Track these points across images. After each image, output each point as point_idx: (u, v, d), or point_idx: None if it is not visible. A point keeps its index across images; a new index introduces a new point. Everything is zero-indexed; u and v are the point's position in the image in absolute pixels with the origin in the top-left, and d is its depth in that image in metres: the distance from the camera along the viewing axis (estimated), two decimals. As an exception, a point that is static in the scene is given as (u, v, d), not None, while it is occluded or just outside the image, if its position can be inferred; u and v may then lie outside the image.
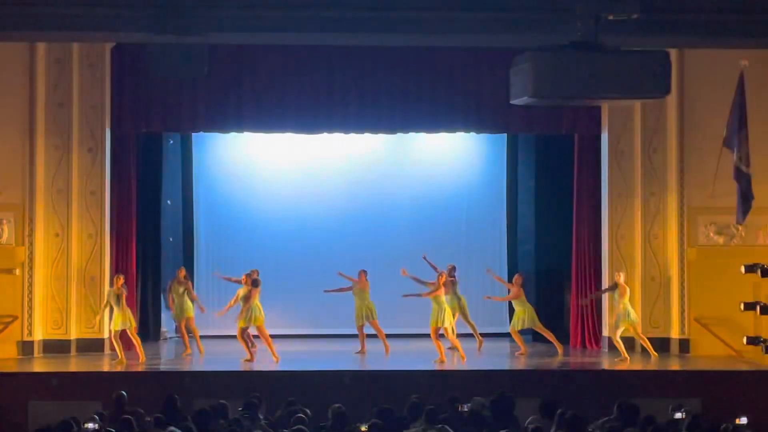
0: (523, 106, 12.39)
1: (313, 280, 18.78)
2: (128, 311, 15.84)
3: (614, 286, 16.42)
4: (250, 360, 15.91)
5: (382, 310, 17.34)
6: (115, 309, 15.69)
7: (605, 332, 17.50)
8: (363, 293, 17.03)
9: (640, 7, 9.57)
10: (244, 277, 16.32)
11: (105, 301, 16.05)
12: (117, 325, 15.68)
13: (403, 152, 19.59)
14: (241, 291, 16.24)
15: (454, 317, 16.55)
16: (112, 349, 16.18)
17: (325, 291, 17.30)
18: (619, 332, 16.22)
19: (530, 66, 8.98)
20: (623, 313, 16.15)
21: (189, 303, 16.87)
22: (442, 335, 16.03)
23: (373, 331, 17.12)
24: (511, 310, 17.68)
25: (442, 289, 16.08)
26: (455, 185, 19.62)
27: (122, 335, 15.87)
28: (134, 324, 16.06)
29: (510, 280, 17.75)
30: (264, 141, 19.29)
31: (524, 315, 16.78)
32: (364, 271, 17.19)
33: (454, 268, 17.31)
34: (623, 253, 17.35)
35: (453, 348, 16.32)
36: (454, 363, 16.00)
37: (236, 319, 16.12)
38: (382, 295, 17.56)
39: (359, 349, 16.97)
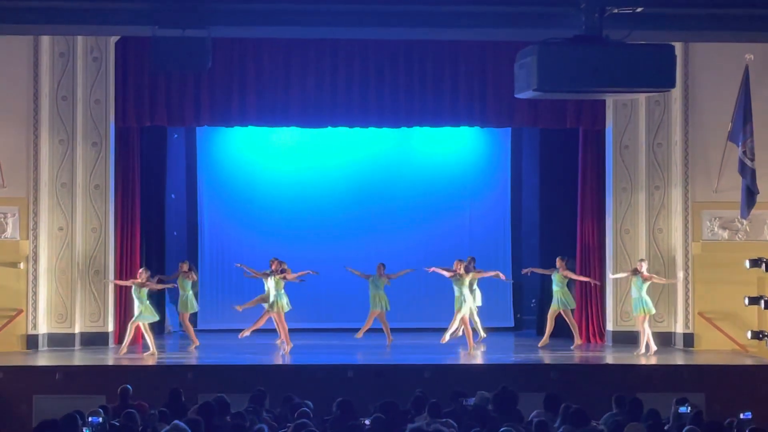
0: (528, 100, 12.44)
1: (317, 274, 18.79)
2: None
3: (634, 272, 16.27)
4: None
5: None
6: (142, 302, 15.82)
7: (609, 326, 17.50)
8: (379, 284, 16.95)
9: (644, 1, 9.55)
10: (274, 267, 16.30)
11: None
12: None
13: (408, 146, 19.58)
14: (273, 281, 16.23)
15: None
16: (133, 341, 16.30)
17: (347, 268, 17.23)
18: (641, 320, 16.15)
19: (535, 60, 8.96)
20: (640, 300, 16.07)
21: (194, 299, 16.84)
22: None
23: (378, 325, 17.12)
24: (516, 304, 17.72)
25: (464, 275, 16.12)
26: (459, 179, 19.61)
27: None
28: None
29: (513, 275, 17.79)
30: (268, 135, 19.29)
31: (561, 296, 16.79)
32: (382, 265, 17.08)
33: (473, 260, 17.28)
34: (627, 247, 17.35)
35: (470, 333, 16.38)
36: (454, 355, 16.02)
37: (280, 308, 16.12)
38: (385, 289, 17.54)
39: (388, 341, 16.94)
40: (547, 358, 16.07)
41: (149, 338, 15.93)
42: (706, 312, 16.92)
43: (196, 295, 17.24)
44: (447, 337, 16.29)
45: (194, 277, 16.92)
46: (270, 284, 16.25)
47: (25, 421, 13.80)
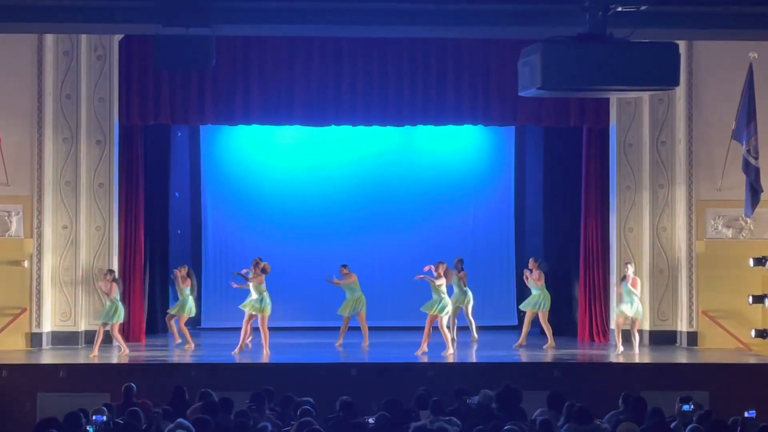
0: (532, 98, 12.44)
1: (321, 272, 18.77)
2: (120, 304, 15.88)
3: (623, 278, 16.37)
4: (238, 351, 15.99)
5: (388, 302, 17.33)
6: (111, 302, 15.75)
7: (612, 325, 17.49)
8: (353, 286, 16.93)
9: (648, -1, 9.56)
10: (252, 267, 16.27)
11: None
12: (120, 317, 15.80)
13: (411, 145, 19.58)
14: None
15: (456, 311, 16.59)
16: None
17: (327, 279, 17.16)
18: (620, 320, 16.19)
19: (539, 58, 8.96)
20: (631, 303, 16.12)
21: (192, 302, 16.84)
22: (435, 327, 15.97)
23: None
24: (519, 302, 17.69)
25: (443, 279, 16.00)
26: (463, 178, 19.61)
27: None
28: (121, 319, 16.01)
29: (517, 273, 17.82)
30: (272, 133, 19.30)
31: (539, 299, 16.73)
32: (345, 266, 17.03)
33: (461, 261, 17.23)
34: (631, 245, 17.34)
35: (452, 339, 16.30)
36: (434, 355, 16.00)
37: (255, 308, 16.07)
38: (388, 287, 17.57)
39: (339, 341, 16.89)
40: (550, 356, 16.06)
41: (120, 339, 15.84)
42: (709, 310, 16.91)
43: (196, 298, 17.18)
44: (451, 348, 16.08)
45: (189, 283, 16.79)
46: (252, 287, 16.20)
47: (29, 418, 13.80)
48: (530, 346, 16.89)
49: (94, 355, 15.53)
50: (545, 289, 16.78)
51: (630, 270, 16.33)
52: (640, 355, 16.02)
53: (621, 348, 16.07)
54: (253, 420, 9.96)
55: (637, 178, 17.41)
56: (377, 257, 17.64)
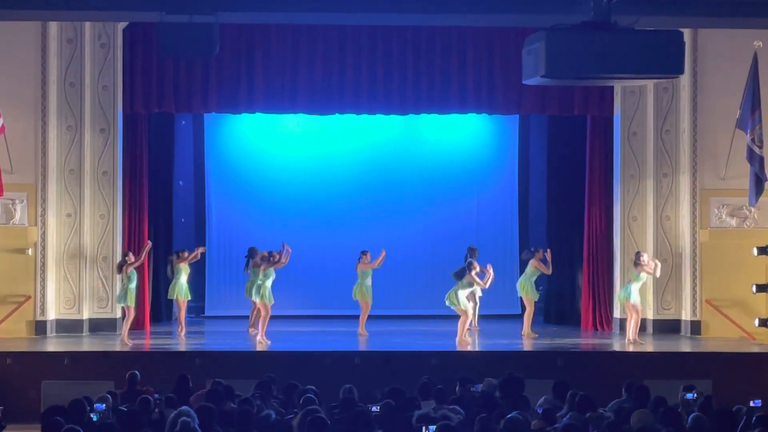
0: (536, 86, 12.41)
1: (325, 260, 18.82)
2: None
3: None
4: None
5: (392, 291, 17.33)
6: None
7: (616, 314, 17.50)
8: (363, 273, 16.92)
9: (653, -13, 9.54)
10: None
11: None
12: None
13: (415, 134, 19.56)
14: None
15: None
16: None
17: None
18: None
19: (543, 46, 8.95)
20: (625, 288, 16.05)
21: (187, 287, 16.85)
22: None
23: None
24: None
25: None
26: (467, 166, 19.60)
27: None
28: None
29: (521, 262, 17.86)
30: (276, 121, 19.29)
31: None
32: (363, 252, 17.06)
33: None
34: (635, 234, 17.32)
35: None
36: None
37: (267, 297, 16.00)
38: (392, 276, 17.56)
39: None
40: (553, 345, 16.06)
41: (127, 326, 15.85)
42: (713, 299, 16.90)
43: (197, 286, 17.25)
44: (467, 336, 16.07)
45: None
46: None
47: (33, 406, 13.84)
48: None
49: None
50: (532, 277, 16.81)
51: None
52: (644, 344, 16.01)
53: (630, 337, 16.03)
54: (256, 408, 9.98)
55: (641, 167, 17.39)
56: (380, 246, 17.60)
